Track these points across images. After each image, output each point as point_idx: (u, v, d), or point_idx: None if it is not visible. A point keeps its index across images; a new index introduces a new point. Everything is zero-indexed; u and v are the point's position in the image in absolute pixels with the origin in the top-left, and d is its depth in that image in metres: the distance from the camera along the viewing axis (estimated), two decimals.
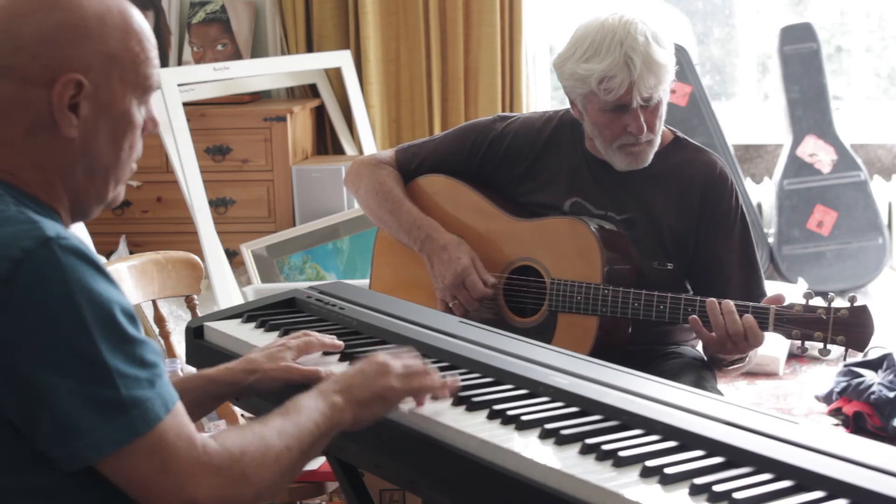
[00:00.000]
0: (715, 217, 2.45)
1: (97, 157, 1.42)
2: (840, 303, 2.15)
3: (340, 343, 1.86)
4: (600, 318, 2.34)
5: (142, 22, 1.44)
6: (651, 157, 2.43)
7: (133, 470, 1.31)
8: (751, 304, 2.21)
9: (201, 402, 1.73)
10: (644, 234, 2.44)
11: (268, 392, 1.76)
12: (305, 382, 1.66)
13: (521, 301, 2.48)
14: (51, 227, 1.32)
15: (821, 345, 2.15)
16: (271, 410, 1.50)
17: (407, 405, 1.62)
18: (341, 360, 1.86)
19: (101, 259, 1.53)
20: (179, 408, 1.36)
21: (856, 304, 2.13)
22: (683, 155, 2.49)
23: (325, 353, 1.87)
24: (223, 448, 1.37)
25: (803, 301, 2.16)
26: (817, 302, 2.17)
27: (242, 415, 2.56)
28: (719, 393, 2.30)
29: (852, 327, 2.12)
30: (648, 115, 2.38)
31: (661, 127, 2.42)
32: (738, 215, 2.46)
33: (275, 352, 1.76)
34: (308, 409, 1.49)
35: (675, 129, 2.55)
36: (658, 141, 2.43)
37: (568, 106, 2.53)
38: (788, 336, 2.18)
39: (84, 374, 1.28)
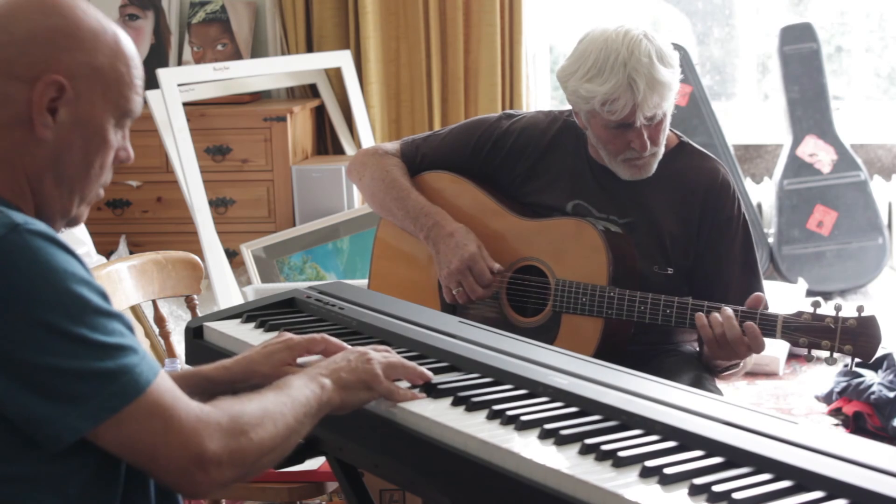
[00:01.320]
0: (716, 224, 2.44)
1: (67, 167, 1.44)
2: (848, 312, 2.16)
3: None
4: (605, 321, 2.34)
5: (133, 49, 1.48)
6: (655, 167, 2.42)
7: (135, 435, 1.34)
8: (759, 311, 2.21)
9: (197, 399, 1.73)
10: (645, 238, 2.43)
11: None
12: None
13: (524, 300, 2.48)
14: (17, 214, 1.36)
15: (827, 353, 2.15)
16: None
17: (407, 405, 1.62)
18: None
19: (104, 258, 1.54)
20: (165, 374, 1.40)
21: (864, 315, 2.13)
22: (687, 161, 2.48)
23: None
24: (221, 409, 1.40)
25: (811, 309, 2.16)
26: (825, 311, 2.17)
27: None
28: (719, 392, 2.30)
29: (860, 337, 2.12)
30: (652, 130, 2.36)
31: (664, 138, 2.41)
32: (739, 223, 2.45)
33: (274, 351, 1.74)
34: (299, 386, 1.53)
35: (679, 131, 2.55)
36: (662, 151, 2.42)
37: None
38: (796, 344, 2.18)
39: (68, 351, 1.31)
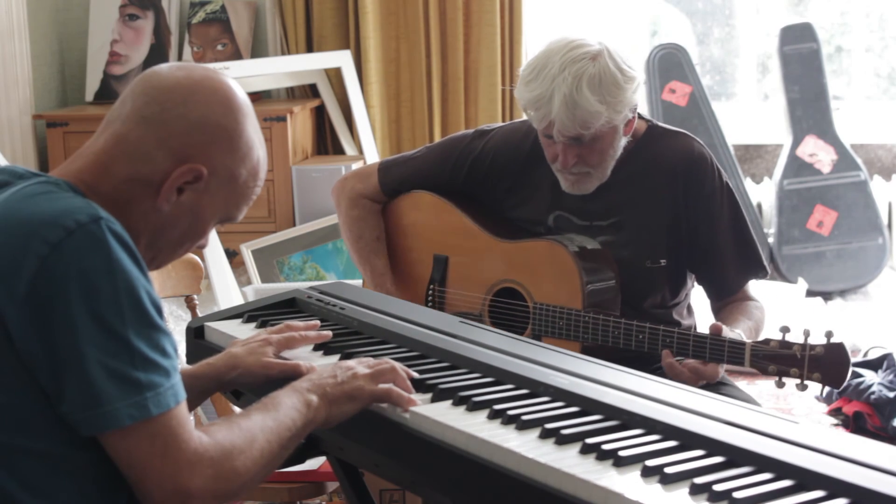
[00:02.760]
0: (700, 200, 2.40)
1: (162, 238, 1.56)
2: (816, 337, 2.09)
3: (328, 333, 1.88)
4: (582, 345, 2.31)
5: (265, 169, 1.63)
6: (594, 186, 2.38)
7: (135, 449, 1.38)
8: (728, 339, 2.14)
9: (188, 399, 1.77)
10: (633, 234, 2.40)
11: (249, 386, 1.83)
12: (284, 377, 1.71)
13: (505, 323, 2.43)
14: (103, 211, 1.42)
15: (797, 380, 2.11)
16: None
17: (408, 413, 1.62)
18: (325, 353, 1.87)
19: None
20: (184, 406, 1.44)
21: (831, 342, 2.08)
22: (659, 144, 2.43)
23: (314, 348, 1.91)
24: (216, 442, 1.44)
25: (780, 335, 2.12)
26: (793, 337, 2.11)
27: None
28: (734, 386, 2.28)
29: (827, 365, 2.07)
30: (583, 150, 2.32)
31: (604, 160, 2.35)
32: (723, 194, 2.41)
33: (256, 347, 1.82)
34: (285, 406, 1.56)
35: (663, 123, 2.50)
36: (603, 173, 2.37)
37: None
38: (765, 372, 2.13)
39: (109, 348, 1.37)
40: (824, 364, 2.07)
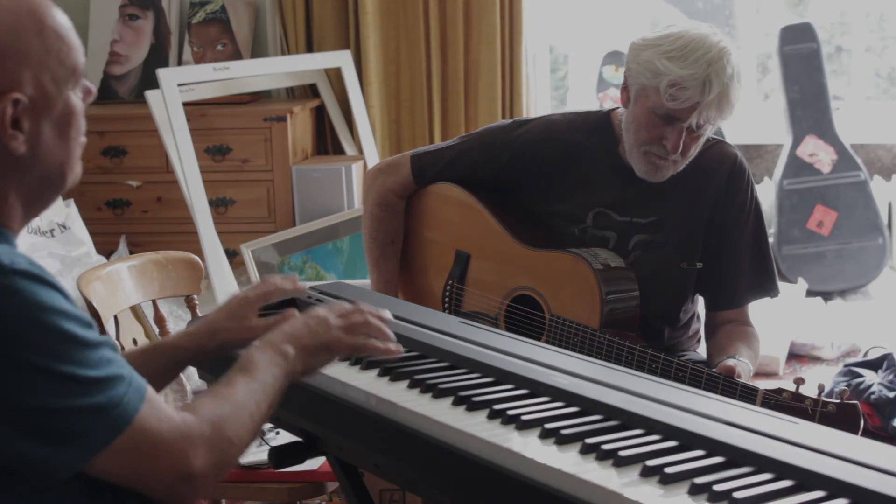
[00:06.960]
0: (732, 208, 2.42)
1: (49, 159, 1.41)
2: (831, 394, 2.04)
3: (303, 286, 1.87)
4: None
5: (54, 12, 1.41)
6: (669, 175, 2.37)
7: (125, 464, 1.35)
8: (741, 382, 2.12)
9: (167, 371, 1.76)
10: (672, 235, 2.40)
11: (235, 351, 1.76)
12: None
13: (520, 330, 2.41)
14: (3, 253, 1.32)
15: None
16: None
17: (406, 408, 1.62)
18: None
19: (104, 258, 1.56)
20: (151, 392, 1.39)
21: (845, 401, 2.01)
22: (704, 148, 2.44)
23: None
24: (202, 418, 1.41)
25: (793, 387, 2.06)
26: (806, 391, 2.05)
27: None
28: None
29: (838, 424, 1.98)
30: (689, 139, 2.33)
31: (693, 154, 2.37)
32: (752, 208, 2.44)
33: (235, 309, 1.79)
34: (264, 363, 1.54)
35: None
36: (684, 165, 2.38)
37: (590, 108, 2.49)
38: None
39: (59, 390, 1.30)
40: (834, 422, 1.98)
